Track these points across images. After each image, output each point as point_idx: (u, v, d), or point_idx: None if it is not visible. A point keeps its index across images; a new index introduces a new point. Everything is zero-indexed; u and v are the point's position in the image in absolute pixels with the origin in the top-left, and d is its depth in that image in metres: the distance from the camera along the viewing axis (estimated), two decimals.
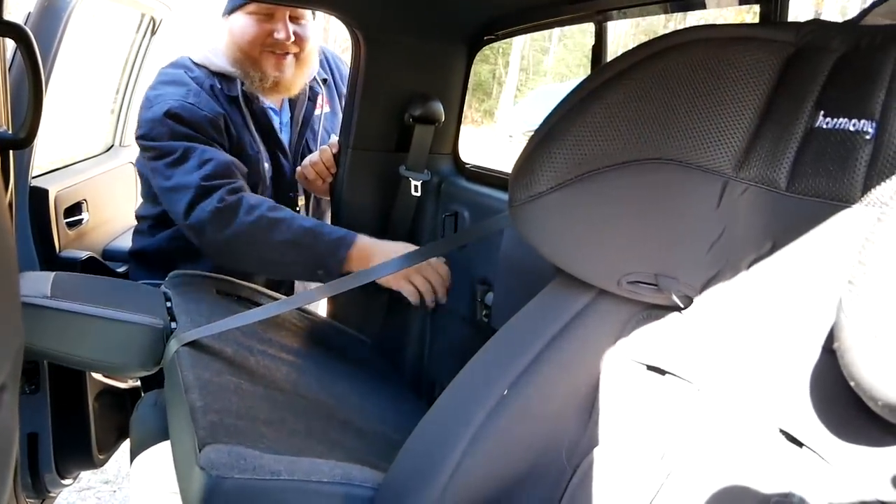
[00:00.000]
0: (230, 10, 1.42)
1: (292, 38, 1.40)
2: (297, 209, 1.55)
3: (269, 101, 1.50)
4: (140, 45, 1.99)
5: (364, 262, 1.26)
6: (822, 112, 0.59)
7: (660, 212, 0.65)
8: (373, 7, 1.39)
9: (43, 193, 1.50)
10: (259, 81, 1.43)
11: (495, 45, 1.53)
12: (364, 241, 1.30)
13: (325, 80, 1.59)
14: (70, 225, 1.62)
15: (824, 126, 0.58)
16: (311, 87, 1.54)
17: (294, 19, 1.41)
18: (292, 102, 1.54)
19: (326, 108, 1.59)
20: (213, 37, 1.48)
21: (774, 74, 0.62)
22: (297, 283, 1.70)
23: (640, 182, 0.65)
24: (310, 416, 1.00)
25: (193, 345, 1.07)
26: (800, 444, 0.55)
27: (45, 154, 1.59)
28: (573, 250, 0.70)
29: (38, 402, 1.43)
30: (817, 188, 0.57)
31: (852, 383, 0.45)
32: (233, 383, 0.98)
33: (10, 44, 1.30)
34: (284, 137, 1.53)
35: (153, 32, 1.98)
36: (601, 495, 0.68)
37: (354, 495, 0.78)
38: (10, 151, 1.19)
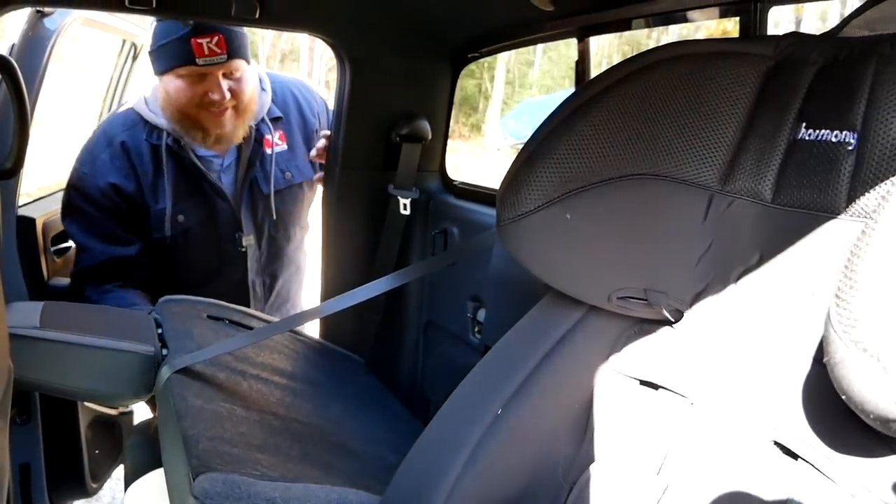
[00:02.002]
0: (161, 72, 1.40)
1: (228, 96, 1.39)
2: (243, 249, 1.53)
3: (206, 150, 1.48)
4: (122, 70, 2.00)
5: None
6: (804, 124, 0.59)
7: (647, 227, 0.66)
8: (357, 28, 1.40)
9: (30, 222, 1.49)
10: (202, 139, 1.43)
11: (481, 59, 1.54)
12: None
13: (277, 119, 1.56)
14: (58, 253, 1.61)
15: (807, 138, 0.59)
16: (257, 129, 1.51)
17: (227, 75, 1.39)
18: (238, 145, 1.50)
19: (281, 146, 1.56)
20: (150, 86, 1.48)
21: (755, 88, 0.63)
22: (287, 304, 1.69)
23: (626, 198, 0.66)
24: (304, 441, 0.99)
25: (185, 371, 1.06)
26: (794, 456, 0.55)
27: (31, 180, 1.59)
28: (562, 268, 0.70)
29: (29, 432, 1.41)
30: (802, 199, 0.58)
31: (843, 396, 0.46)
32: (225, 409, 0.97)
33: None
34: (226, 179, 1.51)
35: (135, 58, 1.99)
36: None
37: None
38: None
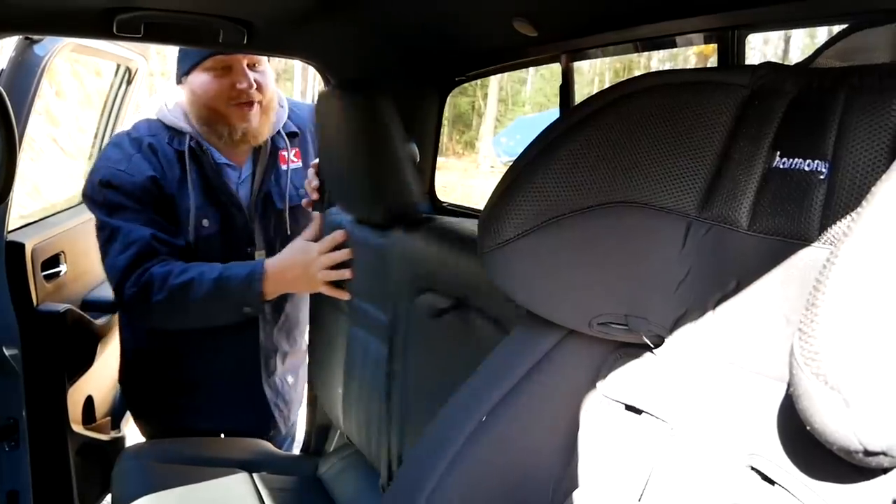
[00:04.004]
0: (187, 71, 1.43)
1: (255, 86, 1.42)
2: None
3: (225, 157, 1.49)
4: (116, 94, 2.01)
5: (280, 283, 1.37)
6: (778, 152, 0.60)
7: (626, 254, 0.67)
8: (344, 53, 1.42)
9: (19, 248, 1.49)
10: (228, 135, 1.44)
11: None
12: (271, 265, 1.38)
13: (294, 134, 1.57)
14: (48, 277, 1.60)
15: (781, 166, 0.60)
16: (273, 142, 1.52)
17: (252, 66, 1.42)
18: (255, 157, 1.52)
19: (297, 163, 1.57)
20: (171, 96, 1.49)
21: (731, 117, 0.64)
22: (296, 330, 1.69)
23: (605, 225, 0.66)
24: None
25: None
26: (771, 482, 0.55)
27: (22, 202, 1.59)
28: (543, 294, 0.70)
29: (17, 459, 1.40)
30: (776, 227, 0.59)
31: (808, 427, 0.46)
32: None
33: None
34: (243, 192, 1.52)
35: (129, 82, 2.00)
36: None
37: None
38: None
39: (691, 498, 0.61)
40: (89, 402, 1.73)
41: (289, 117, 1.57)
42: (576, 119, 0.69)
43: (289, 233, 1.54)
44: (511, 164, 0.72)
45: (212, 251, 1.47)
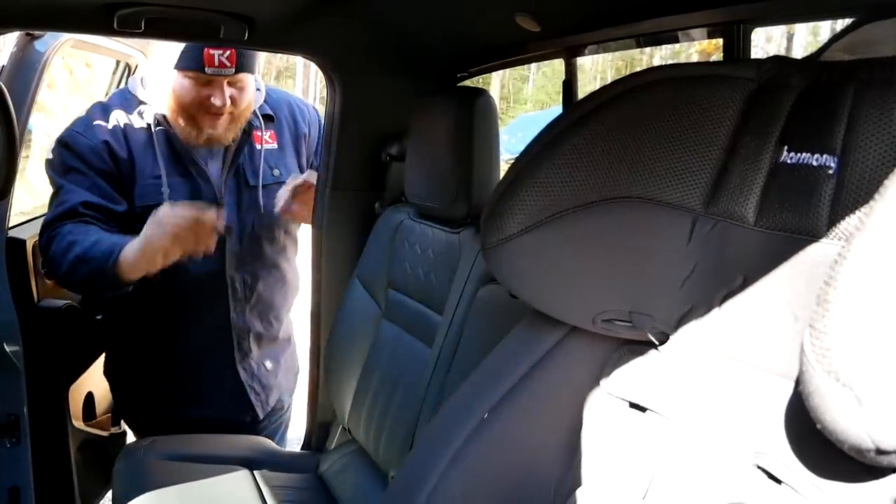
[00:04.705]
0: (174, 67, 1.43)
1: (228, 103, 1.44)
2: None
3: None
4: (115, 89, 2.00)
5: (138, 263, 1.33)
6: (785, 147, 0.60)
7: (631, 250, 0.66)
8: (346, 49, 1.41)
9: (20, 244, 1.49)
10: (194, 136, 1.47)
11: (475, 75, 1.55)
12: (131, 244, 1.34)
13: (269, 117, 1.59)
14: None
15: (788, 161, 0.59)
16: (248, 122, 1.53)
17: (231, 83, 1.44)
18: None
19: (272, 144, 1.59)
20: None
21: (738, 111, 0.63)
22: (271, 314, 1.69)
23: (610, 221, 0.66)
24: None
25: None
26: (778, 481, 0.54)
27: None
28: (546, 291, 0.70)
29: (19, 455, 1.40)
30: (784, 223, 0.58)
31: (818, 426, 0.45)
32: None
33: None
34: (213, 167, 1.52)
35: (129, 77, 2.00)
36: None
37: None
38: None
39: (696, 497, 0.61)
40: (90, 398, 1.73)
41: (265, 101, 1.58)
42: (579, 114, 0.68)
43: (262, 211, 1.55)
44: (514, 160, 0.71)
45: None
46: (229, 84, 1.43)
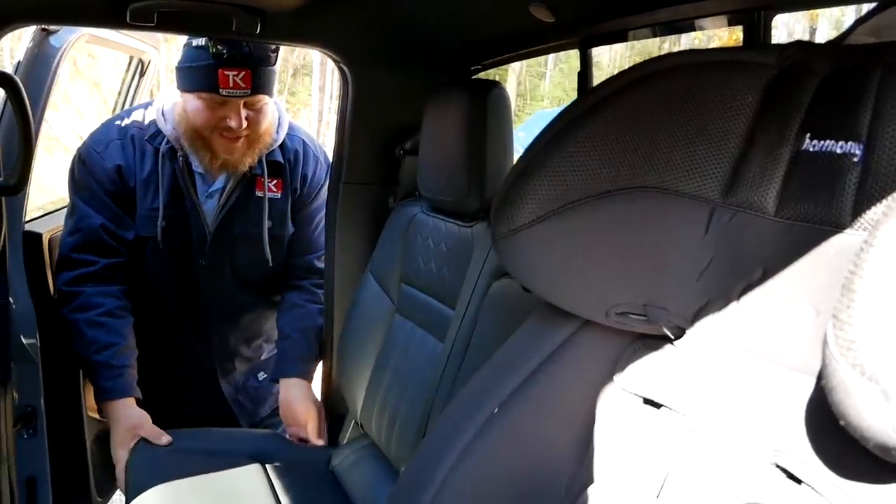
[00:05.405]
0: (183, 90, 1.42)
1: (244, 125, 1.40)
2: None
3: (202, 167, 1.49)
4: (129, 86, 2.01)
5: (116, 423, 1.44)
6: (808, 135, 0.57)
7: (645, 241, 0.64)
8: (359, 42, 1.40)
9: (36, 238, 1.50)
10: (209, 161, 1.45)
11: (491, 71, 1.54)
12: (126, 405, 1.44)
13: (277, 164, 1.53)
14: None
15: (811, 149, 0.57)
16: (250, 167, 1.49)
17: (248, 105, 1.40)
18: (230, 174, 1.51)
19: (275, 193, 1.54)
20: (168, 95, 1.50)
21: (758, 98, 0.61)
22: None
23: (624, 211, 0.64)
24: None
25: None
26: (798, 481, 0.52)
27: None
28: (558, 283, 0.68)
29: (36, 446, 1.41)
30: (806, 213, 0.56)
31: (842, 422, 0.43)
32: None
33: (0, 93, 1.31)
34: (209, 205, 1.51)
35: (142, 74, 2.01)
36: None
37: None
38: (2, 198, 1.19)
39: (712, 496, 0.59)
40: None
41: (281, 146, 1.53)
42: (593, 101, 0.66)
43: (254, 261, 1.54)
44: (521, 155, 0.70)
45: (164, 255, 1.49)
46: (245, 106, 1.39)
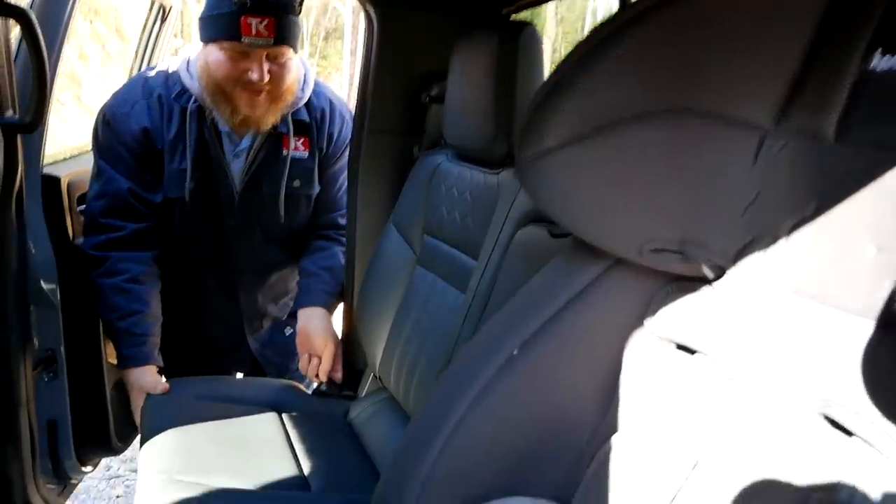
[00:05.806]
0: (205, 41, 1.37)
1: (266, 78, 1.34)
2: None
3: (228, 126, 1.44)
4: (150, 32, 1.98)
5: (134, 389, 1.46)
6: (879, 50, 0.51)
7: (686, 170, 0.58)
8: None
9: (55, 181, 1.48)
10: (230, 116, 1.40)
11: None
12: (145, 372, 1.44)
13: (303, 123, 1.49)
14: (84, 212, 1.60)
15: (880, 68, 0.50)
16: (275, 126, 1.45)
17: (271, 58, 1.34)
18: (257, 132, 1.47)
19: (302, 152, 1.51)
20: (193, 51, 1.45)
21: (821, 10, 0.54)
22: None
23: (664, 136, 0.58)
24: None
25: None
26: (848, 433, 0.47)
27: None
28: (587, 213, 0.62)
29: (56, 390, 1.42)
30: (873, 138, 0.50)
31: None
32: None
33: (18, 31, 1.28)
34: (236, 165, 1.47)
35: (163, 19, 1.97)
36: (621, 487, 0.61)
37: None
38: (19, 138, 1.17)
39: (751, 450, 0.53)
40: None
41: (307, 104, 1.49)
42: (631, 15, 0.59)
43: (281, 220, 1.51)
44: (551, 71, 0.63)
45: (193, 216, 1.47)
46: (268, 58, 1.34)
